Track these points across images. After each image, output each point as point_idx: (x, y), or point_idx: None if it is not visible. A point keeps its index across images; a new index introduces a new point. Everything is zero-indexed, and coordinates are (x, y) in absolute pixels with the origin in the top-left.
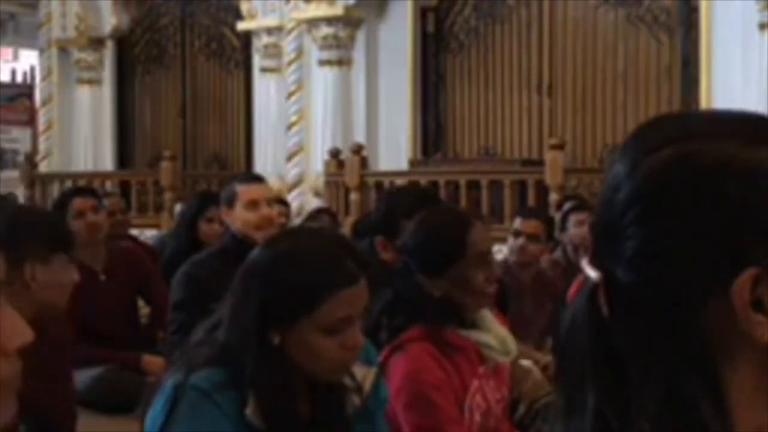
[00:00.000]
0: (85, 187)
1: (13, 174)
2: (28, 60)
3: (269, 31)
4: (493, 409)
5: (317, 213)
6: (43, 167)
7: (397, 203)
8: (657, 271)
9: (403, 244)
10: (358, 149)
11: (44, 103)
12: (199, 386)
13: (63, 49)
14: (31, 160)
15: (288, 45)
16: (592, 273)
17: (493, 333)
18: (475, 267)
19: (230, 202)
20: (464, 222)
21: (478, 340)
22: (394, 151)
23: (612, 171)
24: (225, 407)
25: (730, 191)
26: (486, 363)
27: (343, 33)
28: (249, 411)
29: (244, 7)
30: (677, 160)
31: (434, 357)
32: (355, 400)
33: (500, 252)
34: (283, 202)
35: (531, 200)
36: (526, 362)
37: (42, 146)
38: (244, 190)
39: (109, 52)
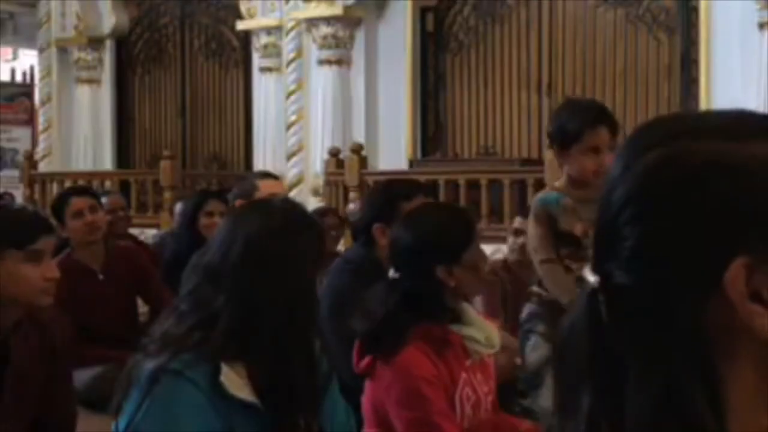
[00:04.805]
0: (83, 186)
1: (13, 173)
2: (27, 59)
3: (269, 30)
4: (482, 401)
5: (323, 213)
6: (42, 166)
7: (396, 188)
8: (653, 271)
9: (409, 240)
10: (357, 149)
11: (44, 102)
12: (170, 368)
13: (62, 49)
14: (30, 159)
15: (287, 44)
16: (590, 277)
17: (478, 326)
18: (479, 251)
19: (249, 196)
20: (466, 209)
21: (464, 334)
22: (394, 150)
23: (609, 173)
24: (198, 381)
25: (719, 188)
26: (472, 357)
27: (342, 32)
28: (224, 379)
29: (243, 7)
30: (666, 160)
31: (425, 352)
32: (325, 366)
33: (500, 251)
34: None
35: (531, 200)
36: None
37: (41, 145)
38: (266, 184)
39: (108, 52)
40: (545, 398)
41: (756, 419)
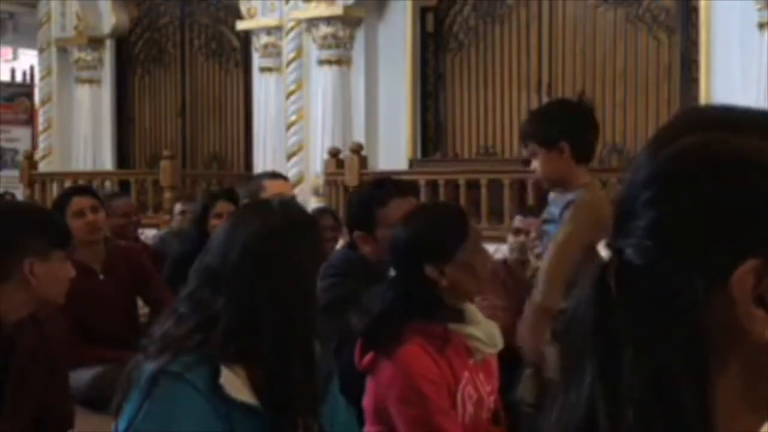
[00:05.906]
0: (85, 186)
1: (13, 173)
2: (27, 59)
3: (269, 30)
4: (485, 400)
5: (320, 213)
6: (42, 166)
7: (370, 195)
8: (661, 256)
9: (402, 239)
10: (357, 148)
11: (44, 102)
12: (170, 370)
13: (62, 49)
14: (30, 159)
15: (287, 44)
16: (603, 252)
17: (480, 326)
18: (476, 250)
19: (255, 195)
20: (461, 209)
21: (466, 333)
22: (394, 150)
23: (640, 154)
24: (197, 383)
25: (743, 184)
26: (474, 356)
27: (342, 32)
28: (224, 381)
29: (243, 7)
30: (697, 148)
31: (425, 350)
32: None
33: (500, 251)
34: None
35: (531, 199)
36: None
37: (41, 145)
38: (273, 184)
39: (108, 52)
40: (524, 389)
41: (740, 421)
